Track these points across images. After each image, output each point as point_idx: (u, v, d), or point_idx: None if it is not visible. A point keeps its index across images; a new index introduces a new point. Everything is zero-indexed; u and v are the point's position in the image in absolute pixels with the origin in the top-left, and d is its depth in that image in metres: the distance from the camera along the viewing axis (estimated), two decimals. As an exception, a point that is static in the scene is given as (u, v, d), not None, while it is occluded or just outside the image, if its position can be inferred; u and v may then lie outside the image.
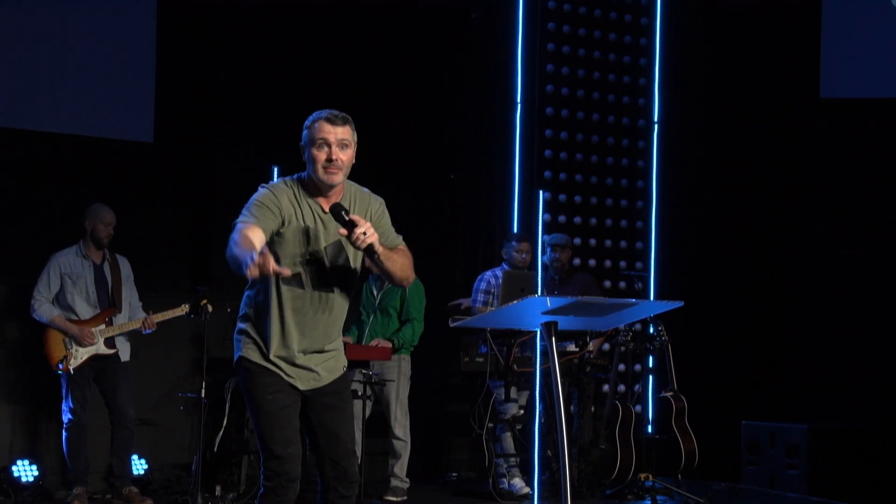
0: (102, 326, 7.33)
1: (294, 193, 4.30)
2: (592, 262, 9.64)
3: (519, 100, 9.44)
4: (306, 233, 4.26)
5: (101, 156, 8.31)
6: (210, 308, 7.25)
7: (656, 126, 9.92)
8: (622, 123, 9.87)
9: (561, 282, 8.50)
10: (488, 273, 8.22)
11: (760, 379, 9.39)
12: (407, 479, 7.84)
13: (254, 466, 7.52)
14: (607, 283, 9.58)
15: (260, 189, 4.33)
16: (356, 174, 9.30)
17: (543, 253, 8.62)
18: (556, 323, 4.28)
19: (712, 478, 8.71)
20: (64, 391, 7.30)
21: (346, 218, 4.15)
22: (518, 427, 7.98)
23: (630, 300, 4.67)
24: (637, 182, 9.90)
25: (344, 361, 4.49)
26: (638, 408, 8.65)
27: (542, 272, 8.40)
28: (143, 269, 7.71)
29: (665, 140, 9.91)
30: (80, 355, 7.25)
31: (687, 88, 9.86)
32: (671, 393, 8.27)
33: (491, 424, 7.79)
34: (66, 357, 7.23)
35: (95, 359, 7.31)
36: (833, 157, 9.69)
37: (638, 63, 9.94)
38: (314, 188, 4.32)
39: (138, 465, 7.88)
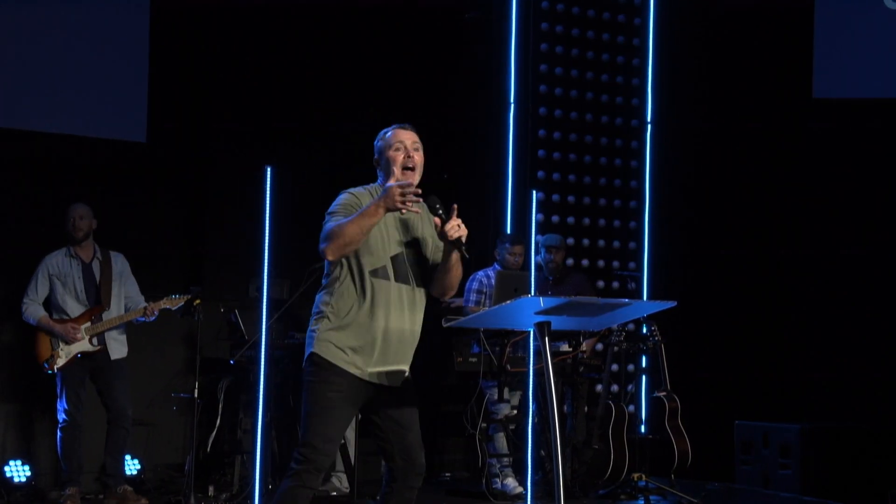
0: (88, 324, 7.31)
1: (373, 195, 4.51)
2: (586, 262, 9.65)
3: (512, 100, 9.44)
4: (388, 230, 4.48)
5: (94, 156, 8.30)
6: (203, 308, 7.24)
7: (649, 126, 9.93)
8: (615, 123, 9.88)
9: (555, 282, 8.50)
10: (480, 273, 8.22)
11: (753, 379, 9.40)
12: (400, 480, 7.82)
13: (247, 467, 7.52)
14: (600, 283, 9.59)
15: (341, 195, 4.59)
16: (354, 173, 9.29)
17: (537, 253, 8.62)
18: (549, 323, 4.29)
19: (705, 478, 8.72)
20: (58, 391, 7.29)
21: (441, 210, 4.39)
22: (511, 427, 7.99)
23: (623, 300, 4.68)
24: (630, 182, 9.91)
25: (408, 367, 4.66)
26: (631, 408, 8.66)
27: (535, 272, 8.40)
28: (136, 270, 7.70)
29: (658, 140, 9.92)
30: (67, 354, 7.24)
31: (680, 89, 9.88)
32: (664, 393, 8.28)
33: (484, 424, 7.78)
34: (52, 356, 7.23)
35: (86, 358, 7.30)
36: (826, 157, 9.70)
37: (631, 63, 9.95)
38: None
39: (131, 465, 7.87)
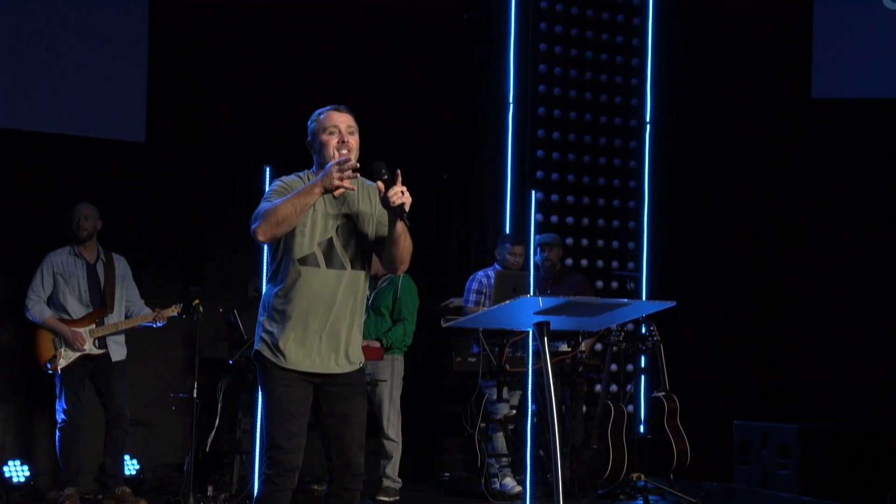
0: (92, 326, 7.32)
1: (306, 181, 4.44)
2: (585, 262, 9.65)
3: (511, 100, 9.44)
4: (321, 215, 4.40)
5: (93, 156, 8.29)
6: (202, 308, 7.25)
7: (648, 126, 9.93)
8: (614, 123, 9.88)
9: (554, 282, 8.50)
10: (480, 273, 8.22)
11: (752, 379, 9.40)
12: (399, 480, 7.83)
13: (245, 467, 7.52)
14: (599, 283, 9.59)
15: (273, 182, 4.51)
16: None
17: (535, 253, 8.62)
18: (548, 323, 4.29)
19: (704, 478, 8.72)
20: (57, 391, 7.28)
21: (386, 175, 4.31)
22: (510, 427, 7.99)
23: (622, 300, 4.68)
24: (629, 182, 9.91)
25: (361, 357, 4.56)
26: (630, 408, 8.66)
27: (534, 272, 8.40)
28: (136, 270, 7.70)
29: (657, 140, 9.92)
30: (70, 355, 7.24)
31: (679, 89, 9.88)
32: (663, 393, 8.28)
33: (483, 424, 7.78)
34: (54, 357, 7.23)
35: (86, 359, 7.30)
36: (825, 157, 9.71)
37: (630, 63, 9.95)
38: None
39: (130, 466, 7.87)
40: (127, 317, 7.49)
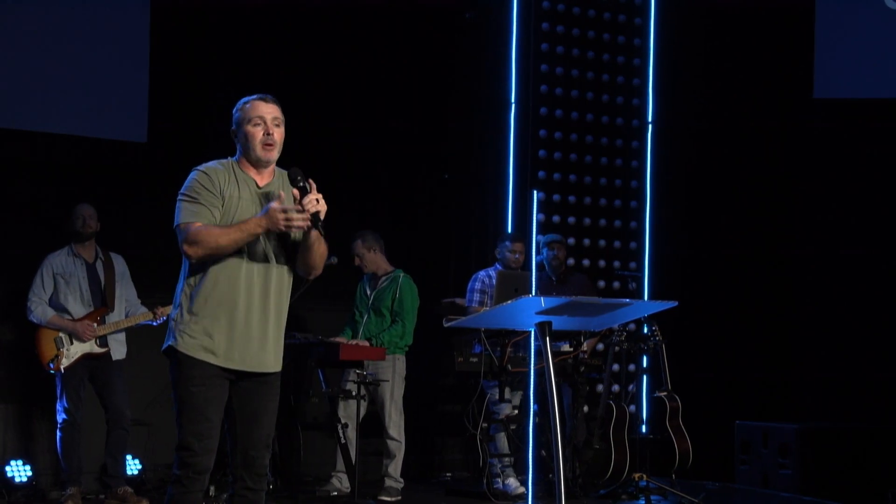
0: (94, 325, 7.32)
1: (230, 171, 4.39)
2: (586, 262, 9.65)
3: (513, 100, 9.43)
4: (245, 208, 4.32)
5: (94, 156, 8.29)
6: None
7: (650, 126, 9.93)
8: (616, 123, 9.88)
9: (559, 282, 8.51)
10: (482, 273, 8.22)
11: (753, 379, 9.40)
12: (401, 480, 7.84)
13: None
14: (601, 283, 9.58)
15: (193, 174, 4.38)
16: (349, 173, 9.30)
17: (538, 253, 8.62)
18: (550, 323, 4.29)
19: (706, 477, 8.72)
20: (58, 391, 7.29)
21: (301, 183, 4.26)
22: (512, 427, 7.99)
23: (624, 300, 4.68)
24: (631, 182, 9.90)
25: (280, 360, 4.45)
26: (632, 408, 8.66)
27: (536, 272, 8.40)
28: (136, 270, 7.70)
29: (659, 140, 9.91)
30: (72, 354, 7.25)
31: (681, 89, 9.87)
32: (665, 393, 8.28)
33: (485, 424, 7.78)
34: (57, 356, 7.23)
35: (88, 358, 7.30)
36: (826, 157, 9.71)
37: (632, 63, 9.94)
38: (248, 167, 4.42)
39: (132, 466, 7.87)
40: (126, 316, 7.49)
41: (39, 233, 7.87)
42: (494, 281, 7.93)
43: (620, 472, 8.02)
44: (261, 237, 4.29)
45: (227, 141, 8.76)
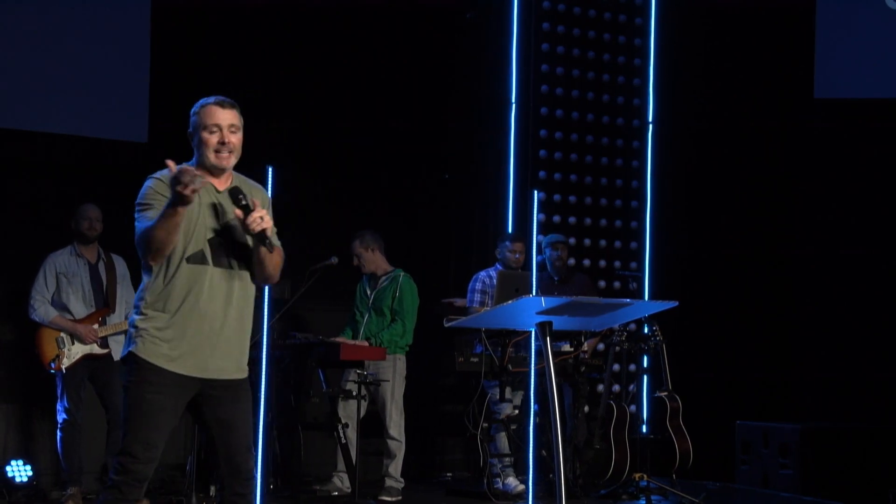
0: (96, 326, 7.33)
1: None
2: (587, 262, 9.65)
3: (513, 100, 9.44)
4: (206, 214, 4.24)
5: (95, 156, 8.29)
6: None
7: (651, 126, 9.93)
8: (617, 123, 9.88)
9: (560, 282, 8.51)
10: (483, 273, 8.22)
11: (754, 379, 9.40)
12: (402, 479, 7.84)
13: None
14: (602, 283, 9.59)
15: (147, 182, 4.31)
16: (349, 173, 9.30)
17: (539, 253, 8.63)
18: (550, 323, 4.28)
19: (706, 477, 8.72)
20: (59, 391, 7.29)
21: (244, 202, 4.16)
22: (513, 427, 7.99)
23: (625, 300, 4.68)
24: (632, 182, 9.90)
25: (245, 365, 4.38)
26: (633, 408, 8.66)
27: (536, 272, 8.40)
28: (138, 271, 7.68)
29: (660, 140, 9.92)
30: (73, 354, 7.25)
31: (682, 89, 9.87)
32: (666, 393, 8.28)
33: (485, 424, 7.78)
34: (58, 356, 7.23)
35: (89, 358, 7.30)
36: (827, 157, 9.71)
37: (632, 63, 9.95)
38: (204, 172, 4.28)
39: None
40: (126, 318, 7.49)
41: (40, 233, 7.86)
42: (495, 281, 7.93)
43: (621, 472, 8.02)
44: (223, 245, 4.22)
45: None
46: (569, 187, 9.66)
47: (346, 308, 8.20)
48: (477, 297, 8.13)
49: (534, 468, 7.47)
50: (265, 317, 6.93)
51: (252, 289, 4.37)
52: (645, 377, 9.26)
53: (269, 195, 6.88)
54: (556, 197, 9.58)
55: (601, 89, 9.83)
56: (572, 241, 9.41)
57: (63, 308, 7.33)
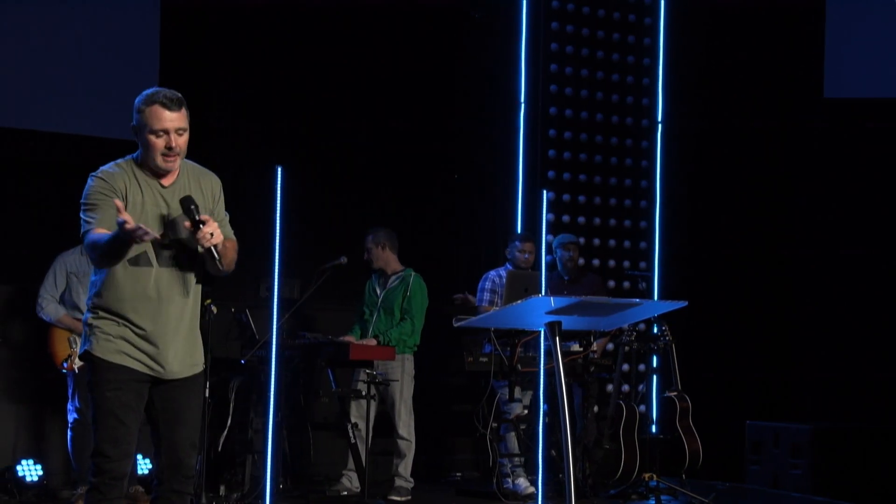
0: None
1: (130, 174, 4.27)
2: (596, 262, 9.65)
3: (522, 100, 9.44)
4: (151, 211, 4.21)
5: (105, 156, 8.27)
6: (214, 308, 7.25)
7: (660, 126, 9.92)
8: (626, 123, 9.87)
9: (571, 281, 8.51)
10: (492, 273, 8.22)
11: (764, 379, 9.39)
12: (411, 479, 7.84)
13: (257, 466, 7.53)
14: (611, 283, 9.58)
15: (90, 180, 4.30)
16: (358, 173, 9.29)
17: (549, 253, 8.63)
18: (559, 323, 4.28)
19: (716, 477, 8.71)
20: (70, 391, 7.31)
21: (196, 217, 4.12)
22: (522, 427, 7.99)
23: (634, 300, 4.68)
24: (641, 182, 9.90)
25: (201, 360, 4.42)
26: (642, 408, 8.65)
27: (546, 272, 8.40)
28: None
29: (669, 140, 9.91)
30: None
31: (691, 88, 9.87)
32: (675, 393, 8.27)
33: (495, 424, 7.78)
34: (70, 356, 7.25)
35: (100, 359, 7.32)
36: (837, 156, 9.69)
37: (642, 63, 9.94)
38: (150, 170, 4.27)
39: (142, 465, 7.89)
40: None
41: (49, 233, 7.88)
42: (504, 280, 7.93)
43: (630, 472, 8.01)
44: (168, 245, 4.22)
45: (240, 142, 8.81)
46: (578, 187, 9.65)
47: (354, 308, 8.21)
48: (486, 296, 8.13)
49: (543, 468, 7.47)
50: (274, 316, 6.94)
51: (199, 286, 4.37)
52: (654, 377, 9.25)
53: (279, 195, 6.95)
54: (566, 197, 9.58)
55: (610, 89, 9.83)
56: (581, 241, 9.41)
57: (74, 307, 7.36)
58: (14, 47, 8.03)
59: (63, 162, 8.22)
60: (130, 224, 3.92)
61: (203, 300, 7.14)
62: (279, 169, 6.95)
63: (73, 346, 7.27)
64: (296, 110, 8.71)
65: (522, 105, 9.44)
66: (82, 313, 7.23)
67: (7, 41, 8.01)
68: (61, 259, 7.42)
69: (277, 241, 6.89)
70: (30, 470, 7.66)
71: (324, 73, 8.87)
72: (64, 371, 7.28)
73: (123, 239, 4.00)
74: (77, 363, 7.25)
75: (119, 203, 4.03)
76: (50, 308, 7.34)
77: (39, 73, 8.09)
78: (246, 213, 8.11)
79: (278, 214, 6.90)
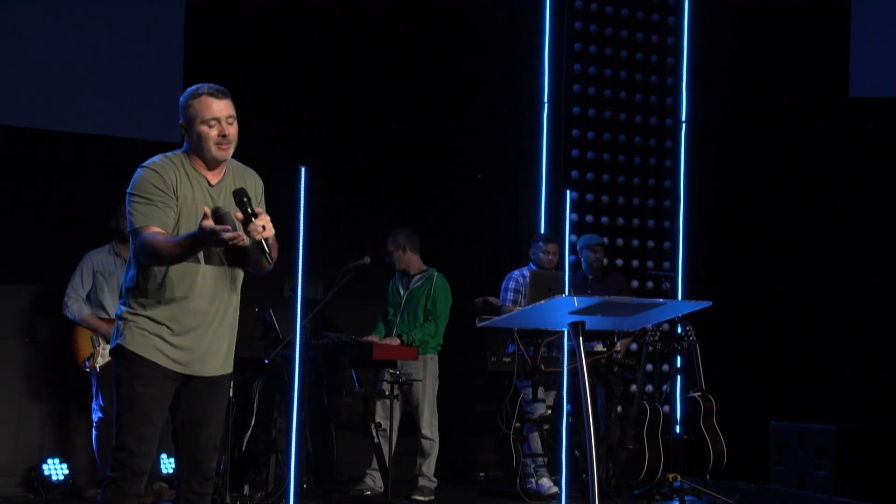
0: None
1: (180, 168, 4.20)
2: (620, 262, 9.63)
3: (546, 99, 9.43)
4: (199, 209, 4.12)
5: (131, 156, 8.32)
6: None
7: (684, 125, 9.89)
8: (649, 123, 9.85)
9: (595, 280, 8.50)
10: (516, 272, 8.22)
11: (789, 379, 9.34)
12: (434, 479, 7.85)
13: (281, 466, 7.55)
14: (635, 283, 9.55)
15: (140, 171, 4.21)
16: (381, 173, 9.30)
17: (572, 254, 8.62)
18: (583, 323, 4.28)
19: (740, 478, 8.68)
20: (94, 389, 7.35)
21: (250, 209, 4.04)
22: (545, 427, 7.98)
23: (658, 300, 4.67)
24: (664, 181, 9.87)
25: (231, 360, 4.35)
26: (666, 408, 8.62)
27: (570, 272, 8.39)
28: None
29: (693, 139, 9.87)
30: (108, 353, 7.30)
31: (715, 87, 9.83)
32: (699, 393, 8.25)
33: (518, 424, 7.78)
34: (93, 355, 7.30)
35: (124, 358, 7.35)
36: (863, 156, 9.63)
37: (665, 62, 9.91)
38: (199, 163, 4.23)
39: (167, 464, 7.92)
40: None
41: (75, 233, 7.93)
42: (528, 280, 7.93)
43: (654, 472, 7.99)
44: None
45: (265, 141, 8.82)
46: (601, 187, 9.64)
47: (378, 308, 8.22)
48: (510, 295, 8.13)
49: (567, 468, 7.46)
50: (298, 316, 6.96)
51: (239, 281, 4.32)
52: (678, 377, 9.22)
53: (303, 195, 6.97)
54: (589, 196, 9.56)
55: (634, 88, 9.80)
56: (605, 240, 9.40)
57: (99, 306, 7.40)
58: (41, 49, 8.07)
59: (92, 163, 8.26)
60: (216, 227, 3.85)
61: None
62: (303, 169, 6.97)
63: (96, 345, 7.31)
64: (320, 111, 8.73)
65: (546, 105, 9.43)
66: (107, 313, 7.34)
67: (34, 43, 8.06)
68: (88, 258, 7.46)
69: (301, 241, 6.91)
70: (56, 469, 7.71)
71: (348, 74, 8.88)
72: (87, 370, 7.32)
73: (203, 241, 3.94)
74: (100, 362, 7.29)
75: (207, 209, 3.96)
76: (75, 307, 7.38)
77: (68, 74, 8.13)
78: (270, 213, 8.17)
79: (302, 215, 6.92)
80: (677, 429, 8.57)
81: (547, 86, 9.44)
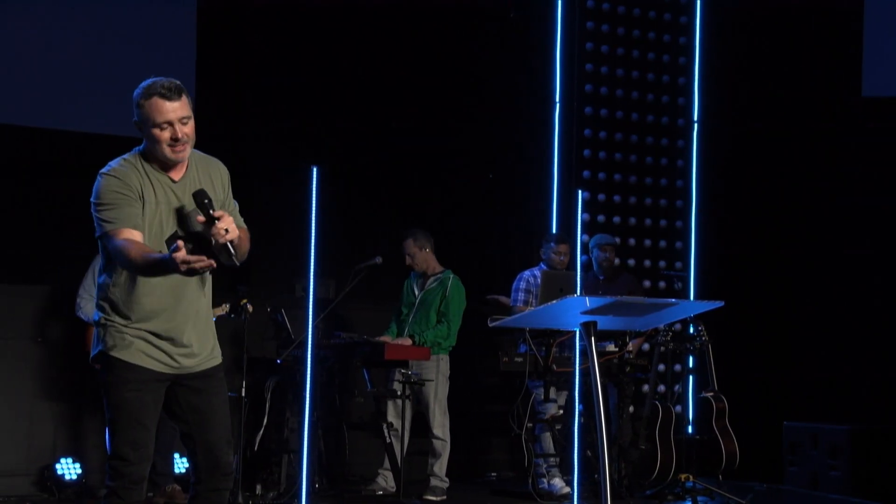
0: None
1: (140, 169, 4.10)
2: (632, 262, 9.62)
3: (558, 99, 9.43)
4: (165, 211, 4.06)
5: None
6: (250, 308, 7.29)
7: (696, 125, 9.88)
8: (661, 123, 9.84)
9: (606, 281, 8.49)
10: (527, 273, 8.22)
11: (802, 379, 9.32)
12: (446, 479, 7.85)
13: (293, 466, 7.57)
14: (647, 283, 9.55)
15: (100, 179, 4.10)
16: (392, 173, 9.30)
17: (584, 253, 8.61)
18: (595, 323, 4.27)
19: (753, 478, 8.66)
20: (106, 390, 7.35)
21: (211, 212, 3.91)
22: (557, 427, 7.97)
23: (670, 300, 4.65)
24: (676, 181, 9.86)
25: (218, 352, 4.25)
26: (678, 408, 8.61)
27: (581, 272, 8.38)
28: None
29: (705, 139, 9.86)
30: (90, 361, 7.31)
31: (727, 87, 9.82)
32: (712, 393, 8.24)
33: (530, 424, 7.78)
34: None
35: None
36: (876, 156, 9.60)
37: (677, 62, 9.90)
38: (159, 163, 4.12)
39: (180, 464, 7.94)
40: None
41: (86, 234, 7.90)
42: (539, 280, 7.92)
43: (666, 472, 7.98)
44: (185, 237, 3.93)
45: (276, 141, 8.83)
46: (613, 187, 9.63)
47: (390, 308, 8.22)
48: (521, 296, 8.13)
49: (579, 468, 7.46)
50: (310, 316, 6.97)
51: (208, 280, 4.21)
52: (690, 377, 9.21)
53: (314, 195, 6.97)
54: (601, 196, 9.55)
55: (645, 88, 9.80)
56: (617, 240, 9.38)
57: (111, 307, 7.41)
58: (51, 48, 8.09)
59: (103, 163, 8.25)
60: (189, 258, 3.69)
61: (239, 300, 7.24)
62: (314, 169, 6.97)
63: (110, 345, 7.32)
64: (331, 112, 8.74)
65: (557, 104, 9.42)
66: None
67: (45, 42, 8.08)
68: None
69: (313, 241, 6.92)
70: (69, 468, 7.73)
71: (359, 74, 8.89)
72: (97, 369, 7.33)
73: (173, 269, 3.76)
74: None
75: (181, 243, 3.74)
76: (87, 307, 7.39)
77: (79, 74, 8.15)
78: (281, 213, 8.20)
79: (314, 215, 6.93)
80: (689, 429, 8.56)
81: (559, 85, 9.44)
